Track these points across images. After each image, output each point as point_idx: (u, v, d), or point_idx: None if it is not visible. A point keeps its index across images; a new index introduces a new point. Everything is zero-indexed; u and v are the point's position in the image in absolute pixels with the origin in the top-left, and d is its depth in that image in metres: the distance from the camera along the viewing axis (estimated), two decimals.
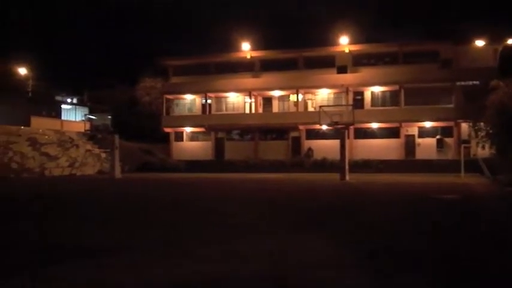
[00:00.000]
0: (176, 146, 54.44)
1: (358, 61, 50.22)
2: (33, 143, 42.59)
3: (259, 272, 5.76)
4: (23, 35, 68.65)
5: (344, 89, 48.87)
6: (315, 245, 7.38)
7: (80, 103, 62.01)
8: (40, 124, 47.81)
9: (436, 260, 6.46)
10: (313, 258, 6.45)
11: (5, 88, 54.02)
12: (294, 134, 50.79)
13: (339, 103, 47.15)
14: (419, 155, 47.10)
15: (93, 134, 51.94)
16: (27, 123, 46.82)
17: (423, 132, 47.89)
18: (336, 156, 34.53)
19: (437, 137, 47.14)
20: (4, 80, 56.40)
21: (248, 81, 52.06)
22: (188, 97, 55.04)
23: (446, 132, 47.11)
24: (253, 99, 51.97)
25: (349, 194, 19.07)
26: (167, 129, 54.14)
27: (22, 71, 59.00)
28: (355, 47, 49.95)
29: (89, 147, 47.53)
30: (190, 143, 54.66)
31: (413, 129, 48.10)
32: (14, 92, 54.62)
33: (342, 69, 49.94)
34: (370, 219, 10.77)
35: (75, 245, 7.55)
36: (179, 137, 54.77)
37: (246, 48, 52.78)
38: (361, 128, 47.23)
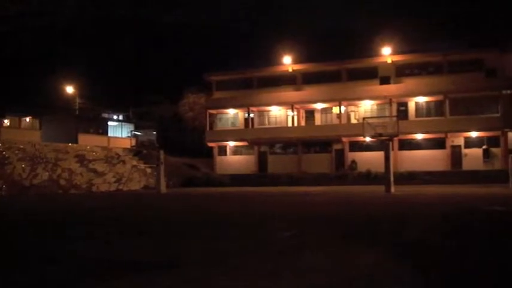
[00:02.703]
0: (220, 160, 54.85)
1: (401, 71, 49.74)
2: (81, 159, 43.67)
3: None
4: (69, 54, 70.53)
5: (387, 100, 48.46)
6: (368, 260, 7.34)
7: (126, 120, 63.27)
8: (87, 141, 49.02)
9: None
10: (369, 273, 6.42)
11: (54, 106, 55.67)
12: (337, 146, 50.57)
13: (382, 114, 46.75)
14: (466, 165, 46.20)
15: (139, 150, 52.88)
16: (75, 141, 48.05)
17: (469, 143, 47.01)
18: (380, 168, 34.17)
19: (484, 147, 46.20)
20: (52, 99, 58.15)
21: (290, 94, 52.20)
22: (231, 111, 55.48)
23: (492, 142, 46.14)
24: (295, 113, 52.04)
25: (397, 206, 18.85)
26: (211, 144, 54.66)
27: (69, 89, 60.68)
28: (397, 58, 49.53)
29: (134, 162, 48.37)
30: (233, 157, 55.00)
31: (459, 140, 47.29)
32: (62, 110, 56.25)
33: (385, 80, 49.59)
34: (423, 234, 10.64)
35: (129, 259, 7.70)
36: (223, 151, 55.19)
37: (288, 62, 53.00)
38: (406, 139, 46.72)
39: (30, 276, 6.39)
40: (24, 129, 47.20)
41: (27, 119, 48.22)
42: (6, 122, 46.40)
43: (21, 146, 40.57)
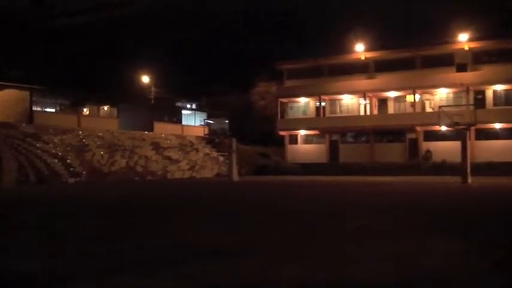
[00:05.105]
0: (291, 149, 54.92)
1: (478, 58, 48.01)
2: (156, 147, 44.91)
3: (385, 277, 5.83)
4: (145, 46, 72.34)
5: (464, 88, 47.03)
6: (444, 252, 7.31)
7: (199, 108, 64.33)
8: (162, 129, 50.24)
9: None
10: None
11: (130, 96, 57.39)
12: (410, 135, 49.60)
13: (458, 103, 45.39)
14: None
15: (211, 138, 53.78)
16: (151, 129, 49.36)
17: None
18: (456, 158, 33.39)
19: None
20: (130, 89, 59.91)
21: (362, 82, 51.51)
22: (302, 100, 55.37)
23: None
24: (367, 101, 51.36)
25: (476, 198, 18.43)
26: (282, 133, 54.81)
27: (145, 79, 62.32)
28: (475, 44, 47.83)
29: (207, 150, 49.32)
30: (304, 145, 54.96)
31: None
32: (139, 100, 57.89)
33: (462, 68, 48.06)
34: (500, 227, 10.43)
35: (209, 245, 7.97)
36: (293, 140, 55.24)
37: (360, 50, 52.21)
38: (483, 129, 45.22)
39: None
40: (103, 117, 48.84)
41: (105, 108, 49.85)
42: (86, 110, 48.11)
43: (100, 134, 42.09)
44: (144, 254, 7.33)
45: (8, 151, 32.69)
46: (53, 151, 36.25)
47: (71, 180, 34.79)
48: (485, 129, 45.71)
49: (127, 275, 5.99)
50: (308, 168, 48.67)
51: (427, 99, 50.06)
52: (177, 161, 45.13)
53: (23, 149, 34.26)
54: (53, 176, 33.90)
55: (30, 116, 41.45)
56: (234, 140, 38.65)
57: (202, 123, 59.62)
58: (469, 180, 27.85)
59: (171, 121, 54.60)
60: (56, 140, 37.71)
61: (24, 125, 38.51)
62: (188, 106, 65.94)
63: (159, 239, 8.72)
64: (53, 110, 45.48)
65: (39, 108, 43.72)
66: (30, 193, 23.35)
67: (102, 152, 39.84)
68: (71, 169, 35.94)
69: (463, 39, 48.00)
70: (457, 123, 30.47)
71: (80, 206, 16.27)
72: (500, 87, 46.89)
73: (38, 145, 35.73)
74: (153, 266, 6.40)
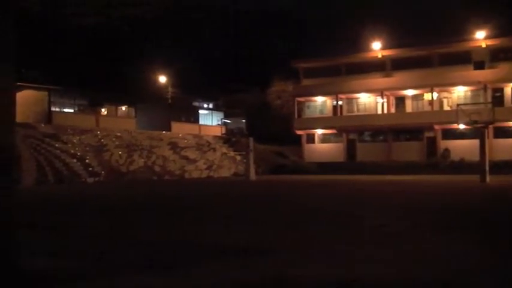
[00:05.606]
0: (308, 148, 54.86)
1: (496, 56, 47.54)
2: (174, 147, 45.11)
3: (396, 275, 5.84)
4: (162, 44, 72.65)
5: (482, 86, 46.60)
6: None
7: (216, 108, 64.42)
8: (180, 129, 50.44)
9: None
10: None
11: (147, 95, 57.65)
12: (428, 134, 49.27)
13: (476, 101, 44.96)
14: None
15: (228, 138, 53.89)
16: (168, 129, 49.58)
17: None
18: (474, 157, 33.12)
19: None
20: (147, 89, 60.19)
21: (380, 81, 51.28)
22: (319, 99, 55.28)
23: None
24: (385, 99, 51.12)
25: (495, 197, 18.29)
26: (299, 132, 54.74)
27: (162, 79, 62.63)
28: (492, 42, 47.33)
29: (224, 150, 49.44)
30: (321, 145, 54.84)
31: None
32: (156, 100, 58.14)
33: (479, 65, 47.65)
34: None
35: (223, 244, 8.03)
36: (311, 139, 55.15)
37: (377, 48, 52.00)
38: (502, 127, 44.77)
39: None
40: (121, 117, 49.13)
41: (123, 108, 50.14)
42: (104, 111, 48.40)
43: (118, 134, 42.36)
44: (146, 254, 7.37)
45: (27, 151, 33.07)
46: (72, 151, 36.60)
47: (90, 180, 35.12)
48: (504, 127, 45.26)
49: (127, 274, 6.07)
50: (325, 167, 48.48)
51: (444, 98, 49.72)
52: (195, 161, 45.31)
53: (42, 149, 34.63)
54: (72, 176, 34.25)
55: (48, 116, 41.87)
56: (251, 139, 38.71)
57: (219, 122, 59.72)
58: (488, 179, 27.63)
59: (188, 121, 54.76)
60: (74, 140, 38.05)
61: (42, 125, 38.90)
62: (205, 106, 66.06)
63: (164, 239, 8.78)
64: (71, 111, 45.85)
65: (57, 109, 44.10)
66: (48, 193, 23.60)
67: (120, 152, 40.12)
68: (90, 169, 36.27)
69: (480, 36, 47.61)
70: (475, 122, 30.21)
71: (94, 206, 16.41)
72: None
73: (56, 145, 36.09)
74: (154, 265, 6.47)
